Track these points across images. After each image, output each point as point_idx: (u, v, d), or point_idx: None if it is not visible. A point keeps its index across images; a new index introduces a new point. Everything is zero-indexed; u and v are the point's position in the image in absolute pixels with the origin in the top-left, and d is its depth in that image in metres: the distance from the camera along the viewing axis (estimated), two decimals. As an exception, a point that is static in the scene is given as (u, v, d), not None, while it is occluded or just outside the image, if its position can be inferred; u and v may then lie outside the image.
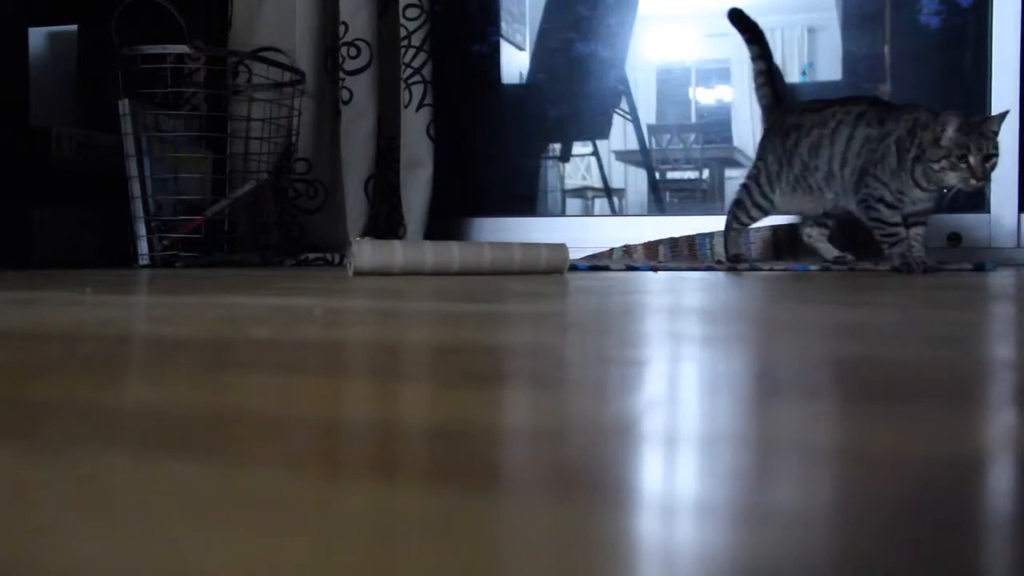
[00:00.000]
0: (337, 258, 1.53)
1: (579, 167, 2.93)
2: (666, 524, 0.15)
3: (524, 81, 2.35)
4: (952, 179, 1.17)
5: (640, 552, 0.14)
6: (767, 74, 1.42)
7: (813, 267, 1.32)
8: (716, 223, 1.58)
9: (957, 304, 0.65)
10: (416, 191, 1.61)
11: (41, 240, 1.44)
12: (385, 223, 1.69)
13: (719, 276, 1.12)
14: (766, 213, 1.38)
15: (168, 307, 0.61)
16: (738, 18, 1.41)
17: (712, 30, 3.85)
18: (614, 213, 2.88)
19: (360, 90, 1.59)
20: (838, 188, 1.29)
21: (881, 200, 1.23)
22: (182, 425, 0.23)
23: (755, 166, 1.41)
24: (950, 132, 1.17)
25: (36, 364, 0.34)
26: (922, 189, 1.20)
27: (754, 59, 1.45)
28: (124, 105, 1.40)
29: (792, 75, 3.99)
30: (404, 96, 1.60)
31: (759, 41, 1.42)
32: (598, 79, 2.30)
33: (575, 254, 1.42)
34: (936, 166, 1.17)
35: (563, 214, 2.56)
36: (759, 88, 1.44)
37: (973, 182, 1.16)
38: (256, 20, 1.65)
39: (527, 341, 0.42)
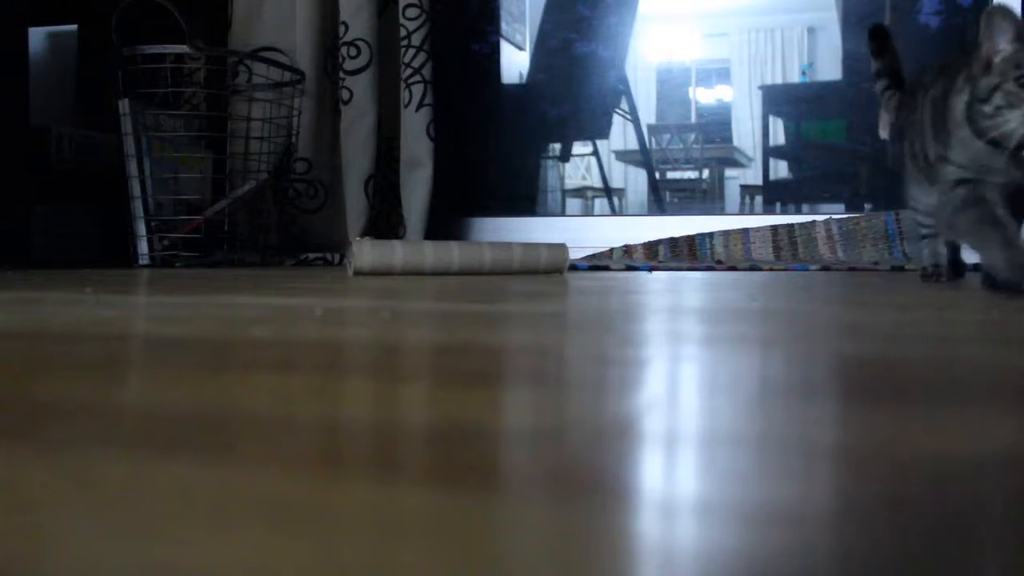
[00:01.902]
0: (337, 258, 1.53)
1: (579, 167, 2.94)
2: (666, 524, 0.15)
3: (524, 81, 2.35)
4: (1016, 121, 0.73)
5: (640, 552, 0.14)
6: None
7: (813, 267, 1.32)
8: (716, 223, 1.59)
9: (957, 304, 0.65)
10: (416, 191, 1.61)
11: (41, 240, 1.44)
12: (385, 223, 1.69)
13: (717, 276, 1.12)
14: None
15: (168, 307, 0.61)
16: (879, 35, 1.08)
17: (712, 30, 3.86)
18: (614, 213, 2.87)
19: (360, 90, 1.59)
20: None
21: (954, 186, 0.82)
22: (182, 425, 0.23)
23: None
24: (1003, 45, 0.74)
25: (36, 364, 0.34)
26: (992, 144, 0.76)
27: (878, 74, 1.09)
28: (124, 105, 1.40)
29: (792, 75, 4.00)
30: (404, 96, 1.60)
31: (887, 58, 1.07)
32: (598, 79, 2.30)
33: (575, 254, 1.43)
34: (988, 107, 0.74)
35: (563, 214, 2.55)
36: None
37: None
38: (256, 20, 1.65)
39: (527, 341, 0.42)
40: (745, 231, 1.52)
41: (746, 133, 3.33)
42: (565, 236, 1.67)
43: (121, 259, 1.45)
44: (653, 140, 3.32)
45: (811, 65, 3.67)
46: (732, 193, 3.36)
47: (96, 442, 0.21)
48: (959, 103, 0.79)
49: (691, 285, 0.91)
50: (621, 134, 2.81)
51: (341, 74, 1.61)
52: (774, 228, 1.52)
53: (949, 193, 0.80)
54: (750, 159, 3.26)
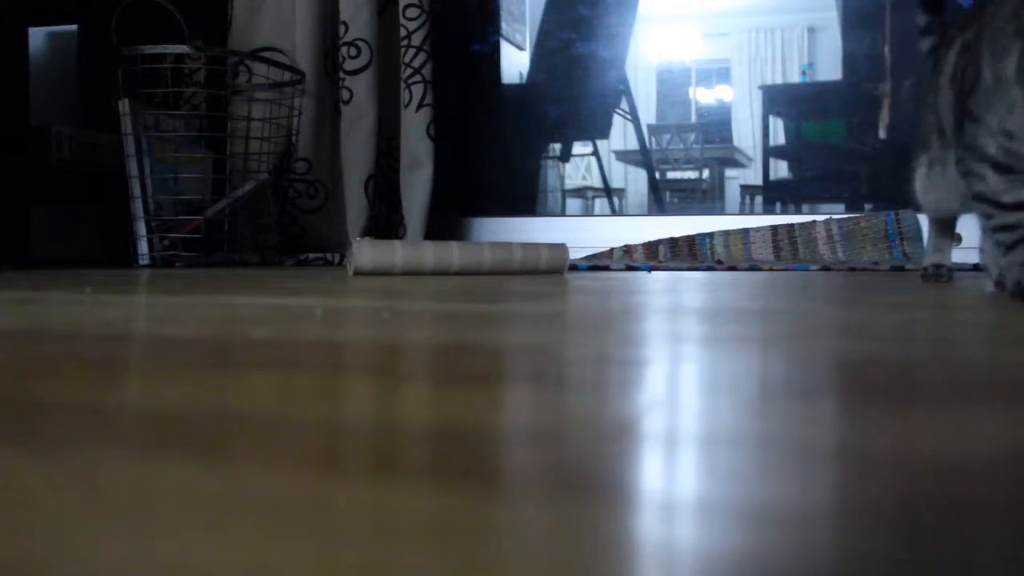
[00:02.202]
0: (337, 258, 1.52)
1: (579, 167, 2.94)
2: (666, 524, 0.15)
3: (524, 81, 2.35)
4: None
5: (640, 552, 0.14)
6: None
7: (812, 267, 1.32)
8: (716, 223, 1.59)
9: (957, 304, 0.65)
10: (416, 191, 1.60)
11: (41, 240, 1.44)
12: (385, 223, 1.69)
13: (717, 276, 1.12)
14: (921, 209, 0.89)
15: (168, 307, 0.61)
16: None
17: (712, 30, 3.86)
18: (614, 213, 2.87)
19: (360, 90, 1.59)
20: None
21: (984, 159, 0.66)
22: (182, 425, 0.23)
23: None
24: None
25: (36, 364, 0.34)
26: None
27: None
28: (124, 105, 1.40)
29: (792, 75, 4.00)
30: (404, 96, 1.60)
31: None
32: (598, 79, 2.30)
33: (575, 254, 1.42)
34: None
35: (563, 214, 2.55)
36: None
37: None
38: (256, 20, 1.65)
39: (527, 341, 0.42)
40: (745, 231, 1.52)
41: (746, 133, 3.33)
42: (565, 236, 1.67)
43: (121, 259, 1.45)
44: (653, 140, 3.32)
45: (811, 65, 3.67)
46: (732, 193, 3.35)
47: (96, 442, 0.21)
48: (1011, 57, 0.60)
49: (691, 285, 0.91)
50: (621, 134, 2.81)
51: (341, 74, 1.61)
52: (774, 228, 1.52)
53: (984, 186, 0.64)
54: (750, 159, 3.26)
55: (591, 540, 0.14)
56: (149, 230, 1.40)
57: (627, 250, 1.53)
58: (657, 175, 3.20)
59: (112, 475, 0.18)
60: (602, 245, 1.61)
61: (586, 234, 1.75)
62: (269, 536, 0.15)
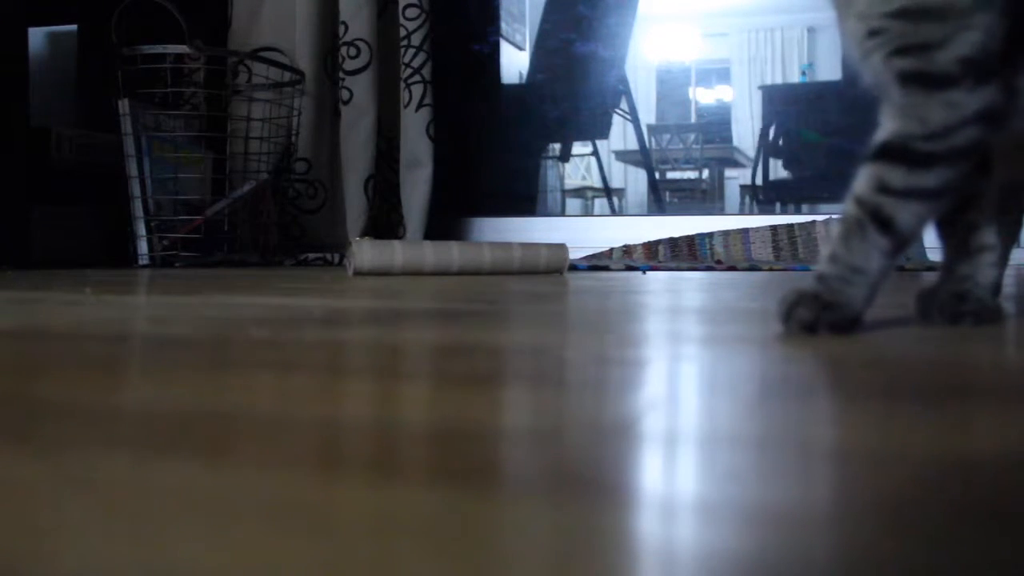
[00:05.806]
0: (337, 258, 1.52)
1: (579, 167, 2.93)
2: (666, 524, 0.15)
3: (524, 81, 2.35)
4: None
5: (640, 552, 0.14)
6: None
7: (813, 267, 1.32)
8: (716, 223, 1.59)
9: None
10: (416, 191, 1.61)
11: (41, 240, 1.44)
12: (385, 223, 1.69)
13: (717, 276, 1.12)
14: None
15: (168, 307, 0.61)
16: None
17: (712, 30, 3.86)
18: (614, 213, 2.87)
19: (360, 90, 1.59)
20: None
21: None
22: (182, 425, 0.23)
23: None
24: None
25: (36, 364, 0.34)
26: None
27: None
28: (124, 105, 1.40)
29: (792, 75, 4.00)
30: (404, 96, 1.60)
31: None
32: (598, 79, 2.29)
33: (575, 254, 1.42)
34: None
35: (563, 214, 2.55)
36: None
37: None
38: (256, 20, 1.65)
39: (527, 341, 0.42)
40: (745, 231, 1.52)
41: (746, 133, 3.33)
42: (565, 236, 1.67)
43: (121, 259, 1.44)
44: (653, 140, 3.31)
45: (811, 65, 3.66)
46: (732, 193, 3.35)
47: (96, 442, 0.21)
48: None
49: (691, 285, 0.91)
50: (621, 134, 2.81)
51: (341, 74, 1.61)
52: (774, 228, 1.52)
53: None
54: (750, 159, 3.26)
55: (591, 540, 0.14)
56: (149, 230, 1.40)
57: (627, 250, 1.53)
58: (657, 175, 3.20)
59: (112, 475, 0.18)
60: (602, 245, 1.61)
61: (586, 234, 1.74)
62: (269, 536, 0.15)
